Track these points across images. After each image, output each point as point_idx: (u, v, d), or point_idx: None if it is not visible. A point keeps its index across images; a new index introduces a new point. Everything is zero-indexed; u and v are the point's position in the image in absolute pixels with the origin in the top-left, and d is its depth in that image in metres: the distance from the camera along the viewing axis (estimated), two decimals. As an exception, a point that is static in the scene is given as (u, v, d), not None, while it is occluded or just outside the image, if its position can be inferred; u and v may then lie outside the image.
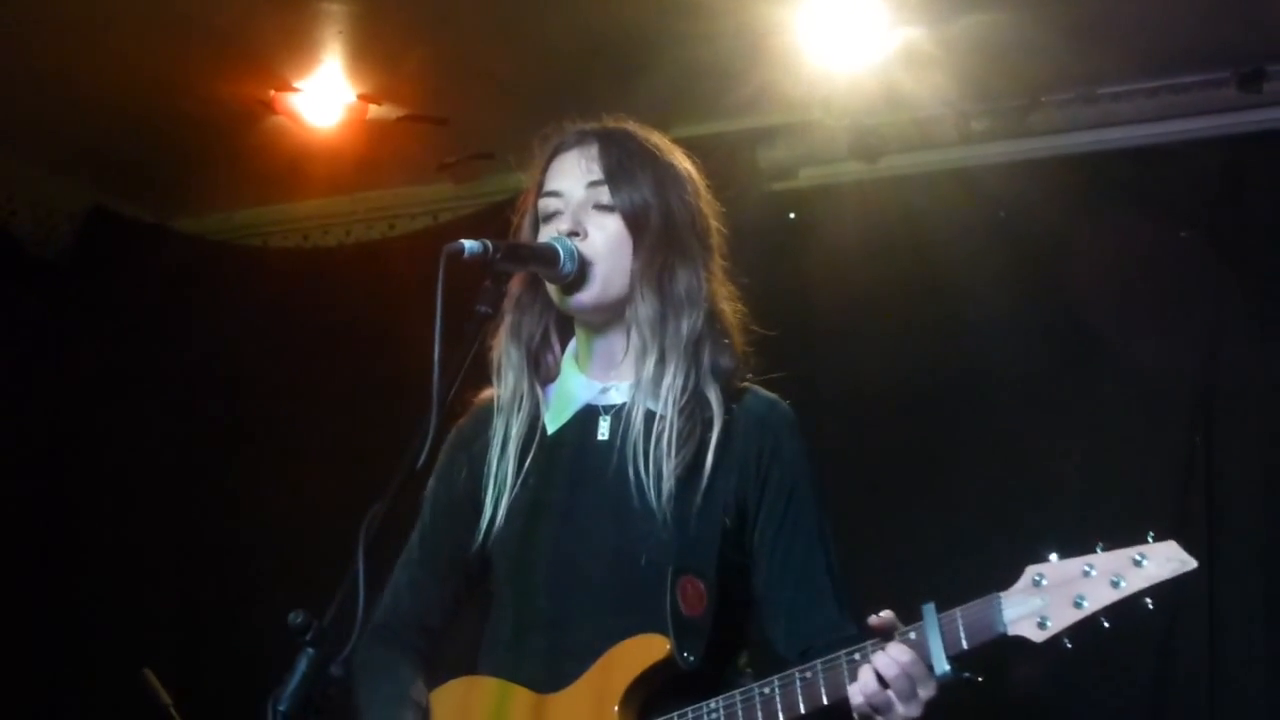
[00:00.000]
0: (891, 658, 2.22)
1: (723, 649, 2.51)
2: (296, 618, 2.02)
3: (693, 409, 2.54)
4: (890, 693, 2.22)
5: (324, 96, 5.36)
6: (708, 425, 2.53)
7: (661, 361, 2.54)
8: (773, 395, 2.66)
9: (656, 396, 2.53)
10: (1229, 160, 5.03)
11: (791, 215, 5.51)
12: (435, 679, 2.62)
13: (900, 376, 5.13)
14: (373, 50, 5.10)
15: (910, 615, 2.29)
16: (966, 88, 5.05)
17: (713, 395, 2.55)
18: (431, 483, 2.67)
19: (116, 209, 6.33)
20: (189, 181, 6.11)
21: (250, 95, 5.36)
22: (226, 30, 4.93)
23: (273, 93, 5.35)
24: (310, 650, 2.01)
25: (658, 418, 2.52)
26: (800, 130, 5.48)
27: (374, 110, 5.44)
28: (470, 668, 2.61)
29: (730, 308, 2.66)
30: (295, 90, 5.32)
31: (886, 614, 2.26)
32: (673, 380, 2.53)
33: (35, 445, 6.00)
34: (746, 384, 2.65)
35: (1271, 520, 4.77)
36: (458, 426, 2.69)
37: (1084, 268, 4.98)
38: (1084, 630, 2.14)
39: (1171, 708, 4.76)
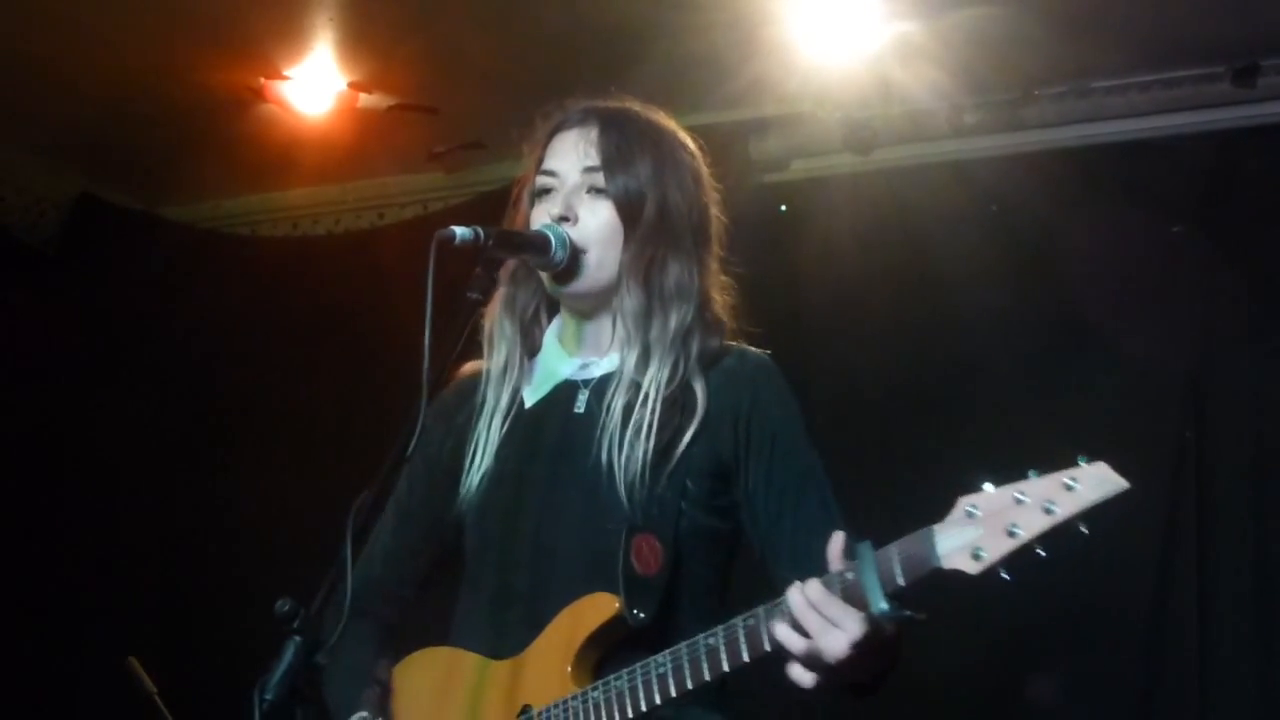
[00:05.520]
0: (806, 598, 2.15)
1: (685, 608, 2.49)
2: (283, 605, 2.01)
3: (675, 398, 2.52)
4: (812, 640, 2.15)
5: (314, 84, 5.35)
6: (689, 414, 2.52)
7: (645, 356, 2.53)
8: (748, 348, 2.63)
9: (639, 388, 2.52)
10: (1222, 155, 5.03)
11: (783, 207, 5.51)
12: (403, 650, 2.61)
13: (891, 368, 5.13)
14: (364, 38, 5.09)
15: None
16: (959, 81, 5.04)
17: (699, 386, 2.54)
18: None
19: (105, 196, 6.31)
20: (178, 169, 6.10)
21: (240, 83, 5.35)
22: (217, 17, 4.91)
23: (263, 80, 5.33)
24: (297, 638, 1.99)
25: (637, 407, 2.50)
26: (793, 122, 5.47)
27: (364, 99, 5.43)
28: (439, 639, 2.60)
29: (720, 298, 2.64)
30: (285, 78, 5.30)
31: (836, 540, 2.20)
32: (655, 373, 2.52)
33: (21, 432, 5.98)
34: (727, 346, 2.62)
35: (1261, 514, 4.77)
36: (440, 397, 2.60)
37: (1076, 262, 4.98)
38: (1019, 560, 2.07)
39: (1162, 701, 4.76)
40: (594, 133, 2.57)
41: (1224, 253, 4.94)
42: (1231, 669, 4.69)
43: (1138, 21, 4.74)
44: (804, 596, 2.15)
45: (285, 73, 5.28)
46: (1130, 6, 4.67)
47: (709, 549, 2.56)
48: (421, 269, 2.23)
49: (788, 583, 2.35)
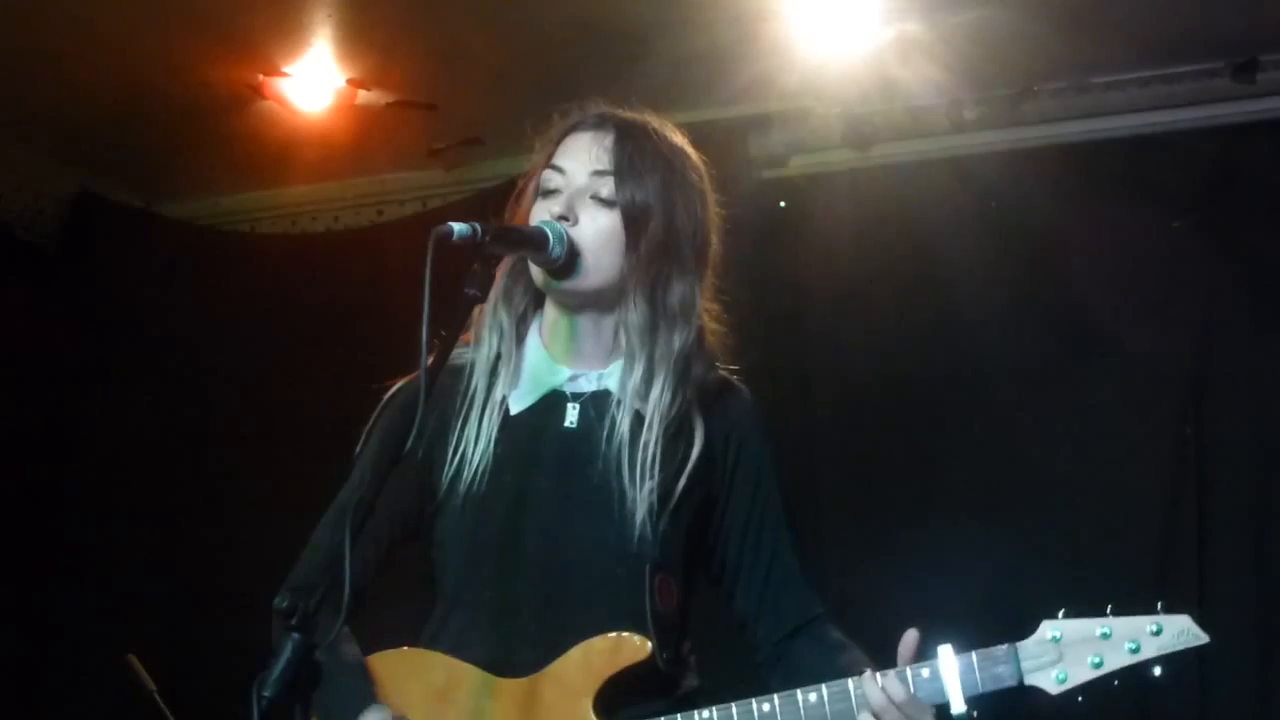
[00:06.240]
0: (888, 694, 2.32)
1: (677, 641, 2.55)
2: (283, 602, 2.01)
3: (677, 431, 2.54)
4: None
5: (313, 81, 5.33)
6: (688, 450, 2.55)
7: (649, 372, 2.53)
8: (729, 377, 2.67)
9: (643, 409, 2.52)
10: (1222, 151, 5.03)
11: (783, 203, 5.50)
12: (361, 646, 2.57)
13: (891, 365, 5.12)
14: (363, 35, 5.07)
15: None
16: (959, 77, 5.04)
17: (697, 423, 2.56)
18: (373, 442, 2.62)
19: (104, 193, 6.29)
20: (176, 166, 6.08)
21: (239, 79, 5.33)
22: (215, 14, 4.90)
23: (261, 77, 5.31)
24: (296, 635, 1.99)
25: (644, 429, 2.51)
26: (793, 118, 5.46)
27: (363, 95, 5.41)
28: (396, 634, 2.58)
29: (711, 326, 2.65)
30: (284, 75, 5.29)
31: (911, 638, 2.37)
32: (660, 394, 2.52)
33: (20, 430, 5.97)
34: (719, 378, 2.66)
35: (1261, 511, 4.77)
36: (404, 387, 2.63)
37: (1076, 258, 4.98)
38: (1096, 688, 2.31)
39: (1161, 701, 4.75)
40: (609, 139, 2.57)
41: (1224, 248, 4.94)
42: (1231, 669, 4.68)
43: (1138, 17, 4.74)
44: (884, 691, 2.32)
45: (284, 69, 5.27)
46: (1130, 2, 4.66)
47: (693, 578, 2.63)
48: (421, 266, 2.23)
49: (758, 619, 2.59)
